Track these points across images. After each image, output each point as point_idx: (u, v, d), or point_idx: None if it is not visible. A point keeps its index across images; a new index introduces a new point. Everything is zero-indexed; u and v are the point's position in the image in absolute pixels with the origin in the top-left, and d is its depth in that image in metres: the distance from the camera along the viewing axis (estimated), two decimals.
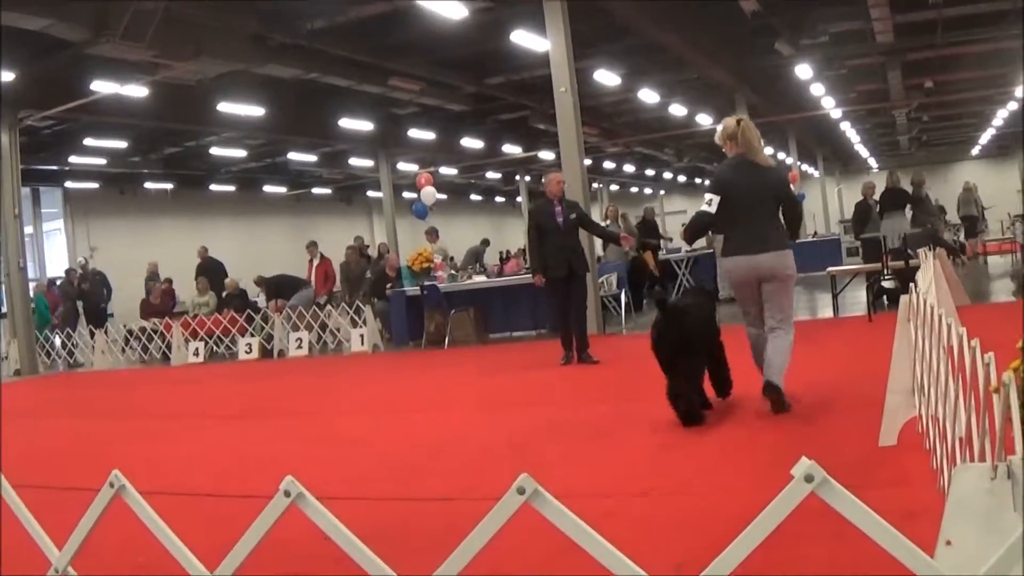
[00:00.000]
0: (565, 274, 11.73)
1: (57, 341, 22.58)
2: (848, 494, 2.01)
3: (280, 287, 20.50)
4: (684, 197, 57.13)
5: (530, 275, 12.16)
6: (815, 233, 36.55)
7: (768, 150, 41.25)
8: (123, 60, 17.28)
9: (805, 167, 47.12)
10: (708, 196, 7.56)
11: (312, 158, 34.51)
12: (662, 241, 19.68)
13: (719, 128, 7.79)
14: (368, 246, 24.45)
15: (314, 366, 16.53)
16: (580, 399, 9.26)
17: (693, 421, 7.01)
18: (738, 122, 7.73)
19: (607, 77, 23.63)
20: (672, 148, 41.92)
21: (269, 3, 17.26)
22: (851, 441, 5.76)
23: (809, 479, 2.02)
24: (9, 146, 19.56)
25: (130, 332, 22.13)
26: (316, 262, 20.61)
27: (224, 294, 21.53)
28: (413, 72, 22.70)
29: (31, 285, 22.37)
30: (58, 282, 25.54)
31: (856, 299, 15.13)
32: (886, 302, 13.39)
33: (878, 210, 17.48)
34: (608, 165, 44.39)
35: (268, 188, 39.69)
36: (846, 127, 40.10)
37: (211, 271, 22.81)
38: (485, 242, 28.20)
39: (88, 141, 26.11)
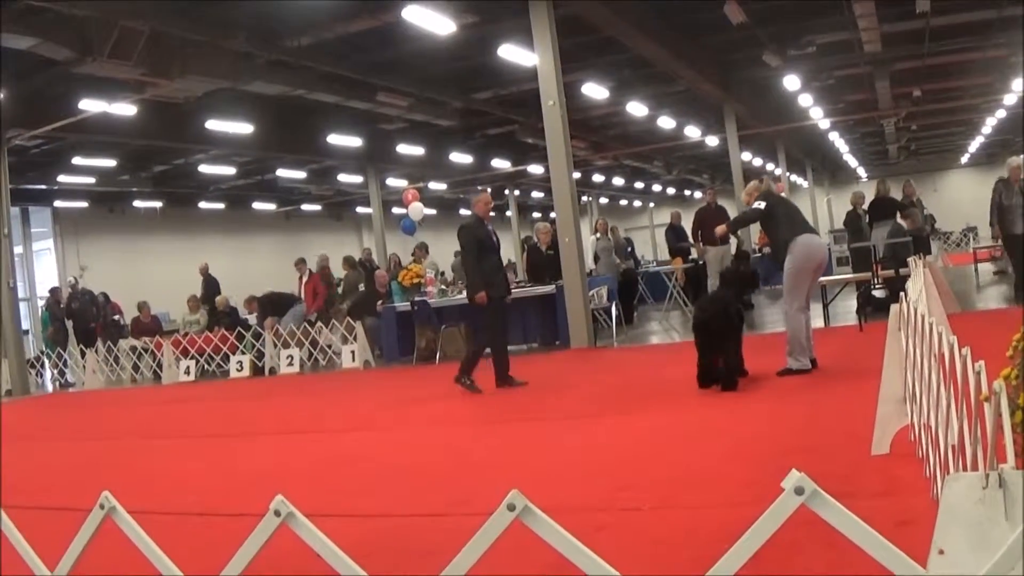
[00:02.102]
0: (505, 294, 11.65)
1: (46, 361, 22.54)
2: (839, 506, 2.01)
3: (273, 305, 20.45)
4: (673, 209, 57.18)
5: (485, 293, 11.26)
6: None
7: (757, 161, 41.55)
8: (110, 79, 17.27)
9: (794, 177, 47.27)
10: (758, 203, 9.49)
11: (301, 174, 34.54)
12: (697, 249, 19.43)
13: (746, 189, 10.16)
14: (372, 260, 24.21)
15: (305, 383, 16.49)
16: (569, 412, 9.25)
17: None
18: (761, 180, 10.16)
19: (595, 90, 23.69)
20: (661, 160, 42.00)
21: (255, 20, 17.27)
22: (843, 450, 5.76)
23: (799, 491, 2.02)
24: None
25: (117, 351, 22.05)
26: (305, 279, 20.57)
27: (212, 310, 21.54)
28: (401, 88, 22.73)
29: (39, 302, 22.36)
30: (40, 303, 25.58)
31: (847, 309, 15.15)
32: (868, 312, 13.39)
33: (867, 220, 17.54)
34: (597, 178, 44.48)
35: (257, 205, 39.72)
36: (835, 137, 40.25)
37: (212, 287, 23.03)
38: None
39: (77, 160, 26.13)
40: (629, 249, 23.93)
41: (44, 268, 32.46)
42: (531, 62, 16.70)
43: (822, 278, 15.22)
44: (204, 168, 30.71)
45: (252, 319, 20.99)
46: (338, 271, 22.46)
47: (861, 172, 53.75)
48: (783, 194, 15.29)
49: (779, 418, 7.40)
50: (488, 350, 11.60)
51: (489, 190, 12.06)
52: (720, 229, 10.95)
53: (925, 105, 31.80)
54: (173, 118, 22.34)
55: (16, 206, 27.24)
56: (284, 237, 40.60)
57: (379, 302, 18.16)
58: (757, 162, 42.87)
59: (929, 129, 41.30)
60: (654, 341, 16.67)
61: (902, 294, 5.62)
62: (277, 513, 2.50)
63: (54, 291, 25.03)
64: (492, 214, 13.20)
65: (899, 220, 16.06)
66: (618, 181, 47.29)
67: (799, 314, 9.27)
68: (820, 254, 9.49)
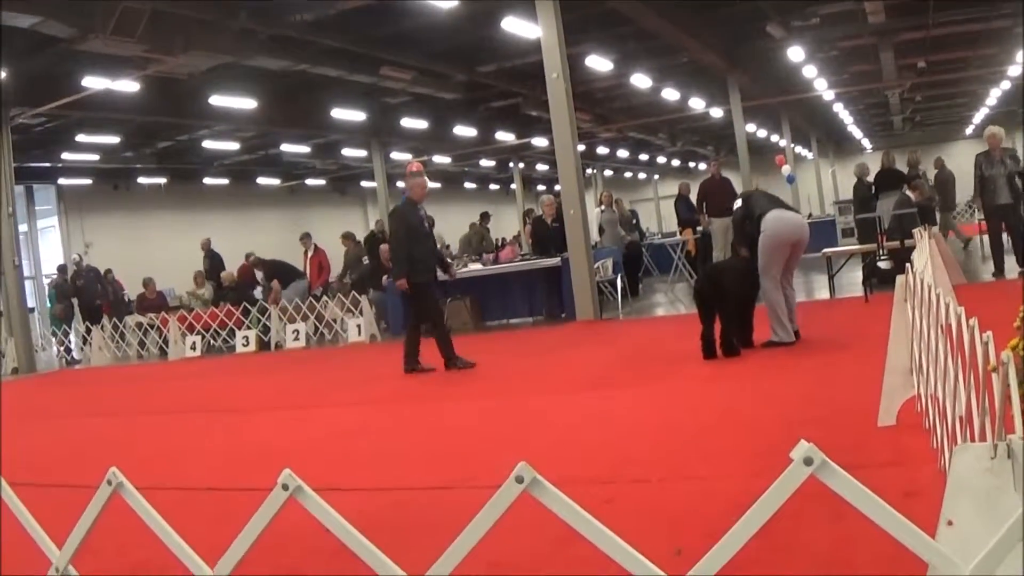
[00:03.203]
0: (434, 278, 11.63)
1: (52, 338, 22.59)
2: (848, 476, 2.00)
3: (277, 271, 20.41)
4: (678, 181, 57.10)
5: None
6: (810, 215, 36.54)
7: (761, 132, 41.42)
8: (114, 56, 17.24)
9: (799, 149, 47.12)
10: (736, 204, 10.19)
11: (305, 149, 34.48)
12: (703, 221, 19.28)
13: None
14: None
15: (311, 358, 16.52)
16: (576, 385, 9.25)
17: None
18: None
19: (599, 63, 23.60)
20: (665, 133, 41.90)
21: None
22: (849, 421, 5.75)
23: (808, 462, 2.01)
24: (1, 144, 19.50)
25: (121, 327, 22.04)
26: (311, 253, 20.57)
27: (218, 286, 21.54)
28: (404, 61, 22.66)
29: (44, 281, 22.37)
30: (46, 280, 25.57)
31: (852, 280, 15.12)
32: (873, 283, 13.36)
33: (873, 191, 17.46)
34: (602, 151, 44.41)
35: (262, 180, 39.69)
36: (839, 108, 40.11)
37: (217, 263, 23.03)
38: (485, 216, 25.80)
39: (80, 137, 26.09)
40: (634, 221, 23.88)
41: (49, 246, 32.49)
42: (535, 34, 16.63)
43: (827, 249, 15.30)
44: (208, 144, 30.69)
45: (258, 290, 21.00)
46: (339, 246, 22.36)
47: (866, 143, 53.56)
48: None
49: (786, 390, 7.40)
50: (433, 331, 11.56)
51: (424, 174, 11.99)
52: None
53: (930, 76, 31.66)
54: (176, 94, 22.29)
55: (20, 184, 27.18)
56: (288, 212, 40.58)
57: (384, 276, 18.16)
58: (761, 134, 42.74)
59: (934, 100, 41.16)
60: (659, 313, 16.67)
61: (908, 265, 5.59)
62: (285, 487, 2.50)
63: (62, 268, 25.04)
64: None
65: (906, 191, 15.97)
66: (622, 153, 47.17)
67: (774, 288, 9.36)
68: (793, 229, 9.49)
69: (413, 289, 11.29)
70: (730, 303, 9.10)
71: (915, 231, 11.07)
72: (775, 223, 9.36)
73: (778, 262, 9.38)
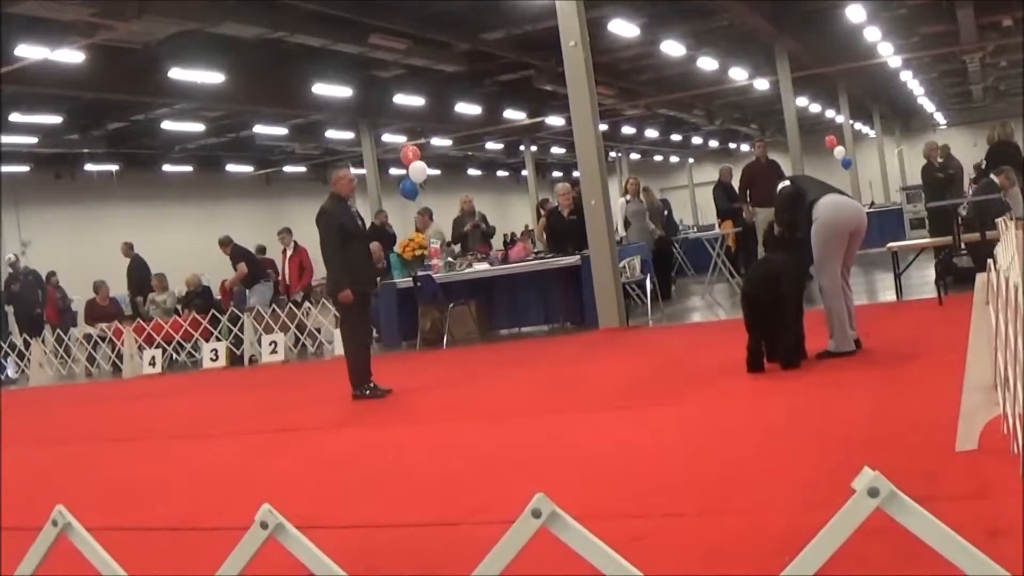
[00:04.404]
0: (372, 288, 11.63)
1: None
2: (921, 510, 2.00)
3: (244, 258, 20.42)
4: (716, 165, 57.10)
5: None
6: (872, 203, 36.56)
7: (814, 107, 41.36)
8: (53, 20, 17.21)
9: (859, 126, 47.08)
10: (781, 184, 9.97)
11: (282, 131, 34.56)
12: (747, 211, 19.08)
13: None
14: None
15: (291, 373, 16.55)
16: (598, 403, 9.25)
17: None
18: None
19: (624, 28, 23.61)
20: (702, 109, 41.90)
21: None
22: (922, 446, 5.74)
23: (873, 493, 2.01)
24: None
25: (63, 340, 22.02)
26: (290, 252, 20.52)
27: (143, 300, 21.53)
28: (397, 28, 22.66)
29: None
30: None
31: (923, 279, 15.11)
32: (948, 282, 13.33)
33: (984, 167, 17.14)
34: (627, 131, 44.45)
35: (231, 167, 39.79)
36: (907, 77, 40.03)
37: (142, 272, 22.80)
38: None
39: (15, 117, 25.98)
40: (665, 213, 23.88)
41: None
42: None
43: (892, 243, 15.28)
44: (168, 125, 30.71)
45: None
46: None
47: (939, 118, 53.49)
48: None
49: (845, 409, 7.38)
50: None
51: (351, 166, 12.04)
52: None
53: (1016, 37, 31.52)
54: (130, 66, 22.31)
55: None
56: (263, 204, 40.68)
57: (377, 278, 18.18)
58: (815, 108, 42.73)
59: (1021, 66, 41.00)
60: (695, 319, 16.67)
61: (990, 262, 5.58)
62: (264, 525, 2.50)
63: None
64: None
65: (992, 176, 15.81)
66: (651, 134, 47.23)
67: (834, 288, 9.34)
68: (851, 215, 9.52)
69: (354, 299, 11.24)
70: (785, 308, 9.07)
71: (999, 221, 11.05)
72: (831, 208, 9.34)
73: (838, 255, 9.36)
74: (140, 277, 22.78)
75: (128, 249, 23.36)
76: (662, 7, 23.86)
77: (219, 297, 21.96)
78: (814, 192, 9.51)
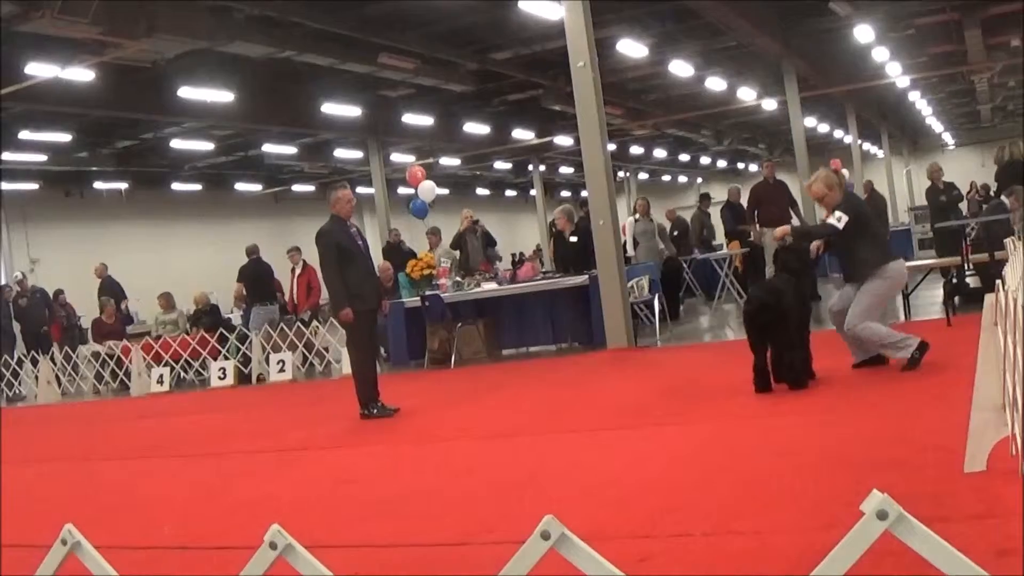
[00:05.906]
0: (376, 306, 11.70)
1: None
2: (929, 532, 2.00)
3: (249, 278, 20.41)
4: (725, 185, 57.10)
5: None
6: None
7: (822, 127, 41.37)
8: (63, 39, 17.23)
9: (867, 146, 47.08)
10: (837, 215, 9.38)
11: (291, 150, 34.59)
12: (754, 232, 19.11)
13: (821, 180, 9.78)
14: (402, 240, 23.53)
15: (298, 392, 16.53)
16: (606, 422, 9.24)
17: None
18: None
19: (633, 48, 23.62)
20: (710, 129, 41.92)
21: None
22: (930, 467, 5.72)
23: (882, 516, 2.01)
24: None
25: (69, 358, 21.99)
26: (299, 271, 20.54)
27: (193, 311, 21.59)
28: (406, 47, 22.69)
29: None
30: None
31: (931, 299, 15.09)
32: (957, 303, 13.30)
33: (993, 191, 17.10)
34: (636, 151, 44.46)
35: (240, 186, 39.84)
36: (915, 98, 40.01)
37: (114, 294, 22.82)
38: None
39: (24, 135, 26.05)
40: (676, 233, 23.82)
41: None
42: (557, 15, 16.66)
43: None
44: (177, 143, 30.76)
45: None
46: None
47: (947, 138, 53.43)
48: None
49: (854, 429, 7.36)
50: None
51: (348, 187, 12.13)
52: (781, 231, 10.78)
53: None
54: (139, 85, 22.37)
55: None
56: (272, 223, 40.67)
57: (385, 298, 18.18)
58: (823, 128, 42.71)
59: None
60: (704, 339, 16.63)
61: (998, 282, 5.58)
62: (273, 545, 2.50)
63: (2, 289, 25.05)
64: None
65: (1003, 197, 15.76)
66: (660, 154, 47.22)
67: (873, 323, 9.54)
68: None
69: (356, 319, 11.32)
70: (788, 326, 9.09)
71: (1007, 241, 11.04)
72: (899, 275, 9.80)
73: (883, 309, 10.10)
74: (112, 297, 22.79)
75: (103, 270, 23.40)
76: (671, 27, 23.89)
77: (228, 316, 21.95)
78: (881, 250, 9.75)
